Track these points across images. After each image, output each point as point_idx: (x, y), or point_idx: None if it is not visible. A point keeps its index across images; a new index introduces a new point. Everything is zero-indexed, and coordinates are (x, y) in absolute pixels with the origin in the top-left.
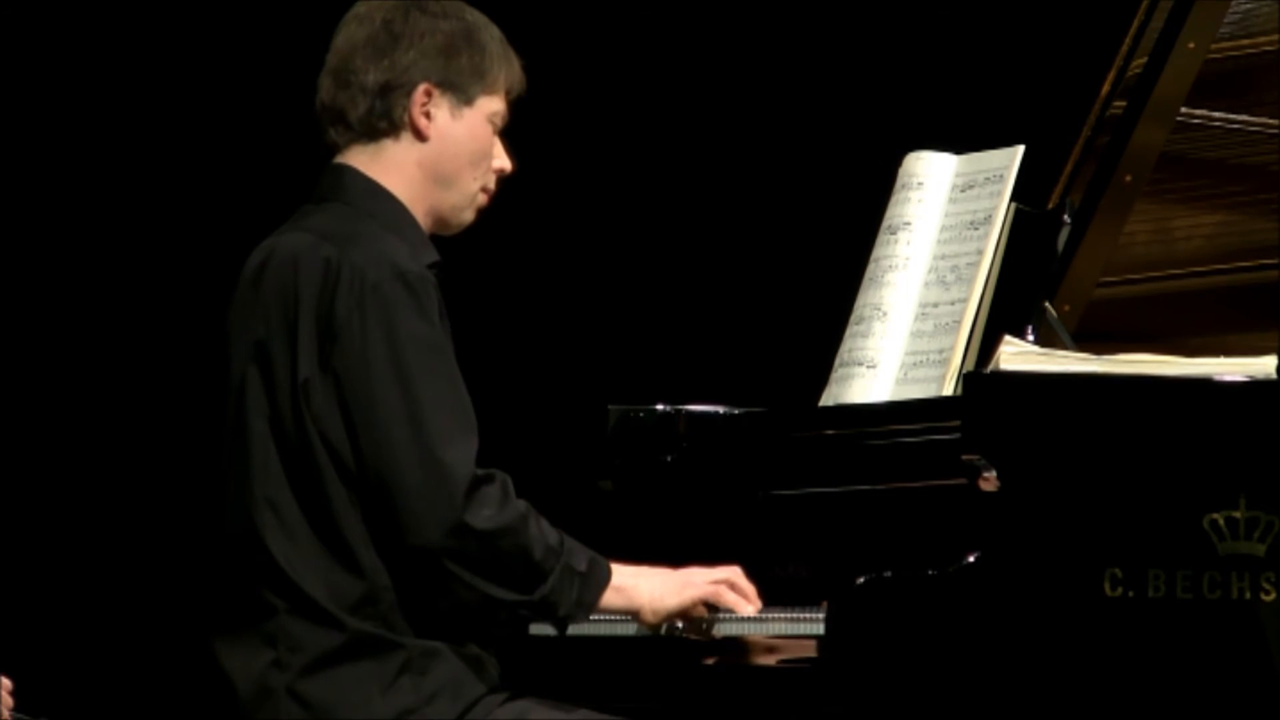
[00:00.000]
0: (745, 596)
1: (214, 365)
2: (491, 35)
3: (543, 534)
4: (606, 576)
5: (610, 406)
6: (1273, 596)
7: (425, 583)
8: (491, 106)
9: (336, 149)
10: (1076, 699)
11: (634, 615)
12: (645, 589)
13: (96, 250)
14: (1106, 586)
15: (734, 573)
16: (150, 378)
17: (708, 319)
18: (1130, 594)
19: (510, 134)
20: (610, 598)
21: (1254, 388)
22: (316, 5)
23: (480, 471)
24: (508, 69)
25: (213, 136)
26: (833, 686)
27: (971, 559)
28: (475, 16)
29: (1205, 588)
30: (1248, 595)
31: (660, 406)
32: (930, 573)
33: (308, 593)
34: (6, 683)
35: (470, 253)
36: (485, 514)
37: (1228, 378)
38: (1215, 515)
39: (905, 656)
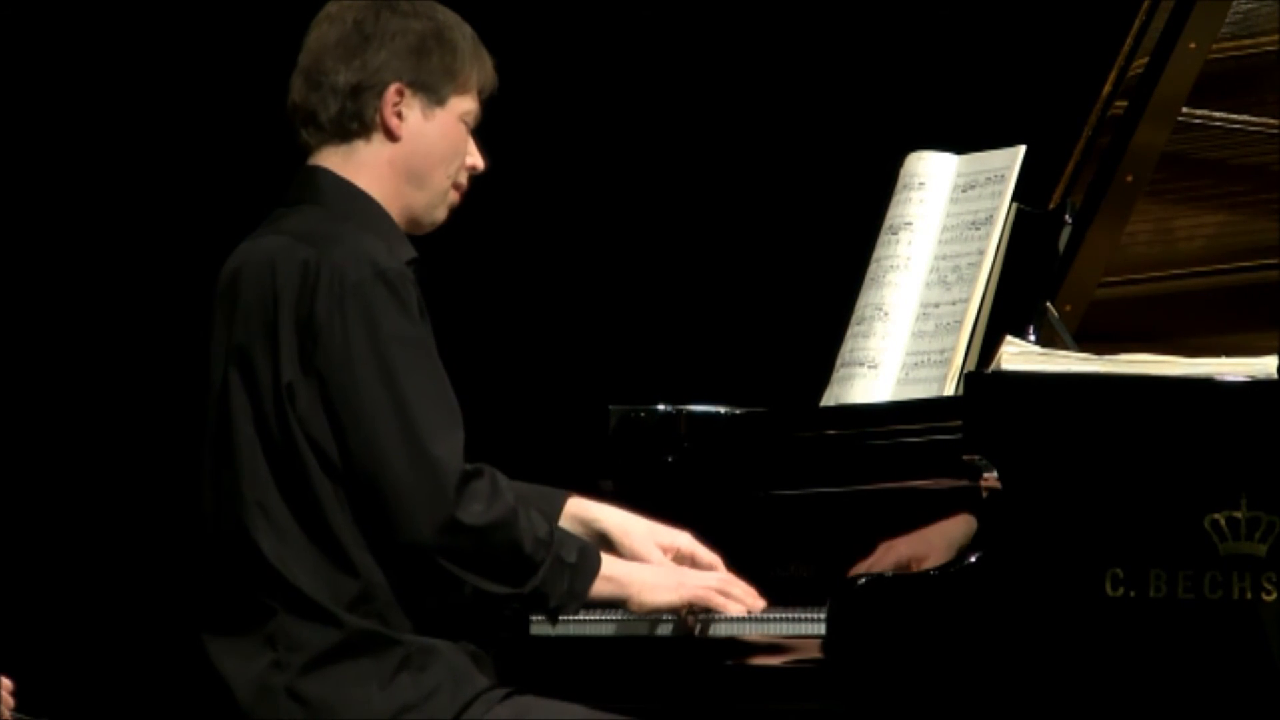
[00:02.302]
0: (739, 601)
1: (199, 368)
2: (463, 34)
3: (532, 526)
4: (597, 565)
5: (611, 407)
6: (1274, 597)
7: (418, 579)
8: (463, 106)
9: (309, 149)
10: (1078, 699)
11: (622, 605)
12: (636, 579)
13: (83, 253)
14: (1108, 586)
15: (729, 577)
16: (150, 378)
17: (708, 319)
18: (1132, 594)
19: (512, 134)
20: (600, 586)
21: (1255, 388)
22: (293, 5)
23: (469, 466)
24: (480, 68)
25: (192, 138)
26: (834, 686)
27: (973, 559)
28: (447, 16)
29: (1206, 588)
30: (1249, 595)
31: (661, 407)
32: (931, 573)
33: (303, 591)
34: (7, 683)
35: (471, 253)
36: (476, 509)
37: (1229, 378)
38: (1217, 515)
39: (906, 657)
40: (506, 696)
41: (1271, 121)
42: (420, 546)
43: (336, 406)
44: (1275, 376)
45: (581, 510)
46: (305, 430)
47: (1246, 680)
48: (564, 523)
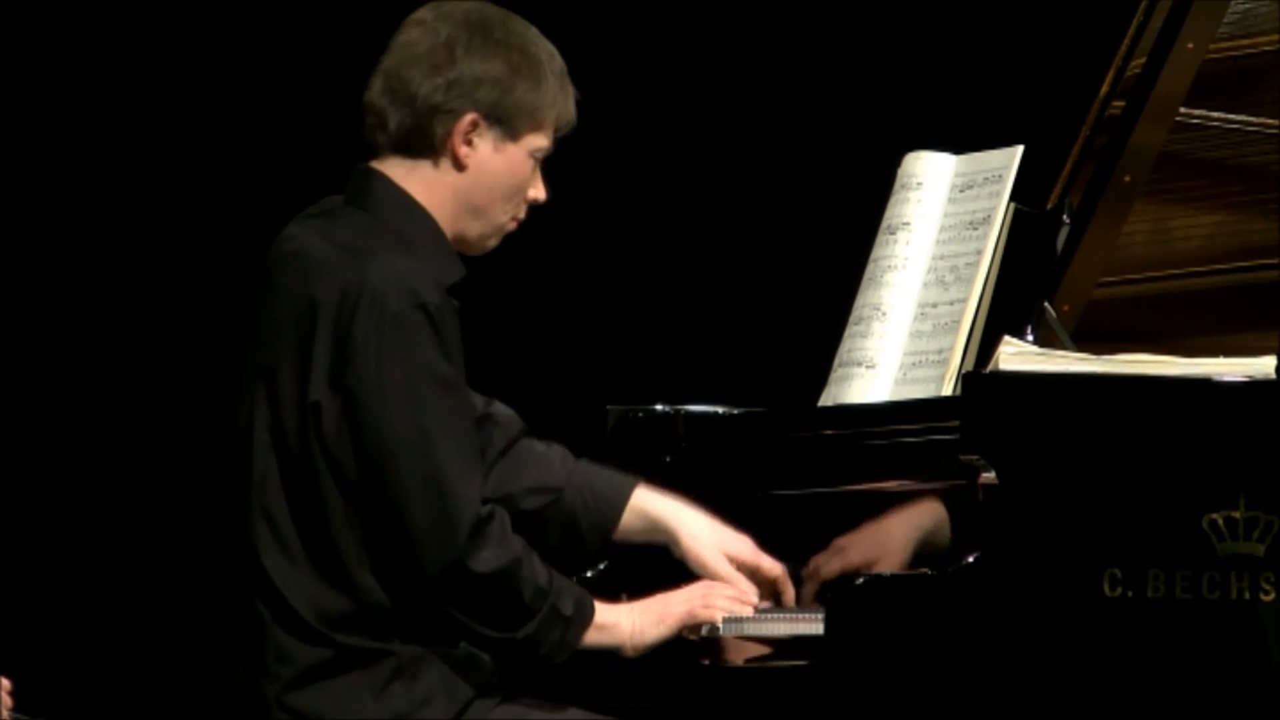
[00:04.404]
0: (725, 610)
1: (198, 369)
2: (553, 70)
3: (534, 575)
4: (590, 617)
5: (609, 407)
6: (1272, 597)
7: (416, 607)
8: (536, 142)
9: (374, 149)
10: (1076, 699)
11: (616, 651)
12: (626, 625)
13: (107, 249)
14: (1106, 587)
15: (712, 585)
16: (150, 376)
17: (707, 319)
18: (1130, 594)
19: None
20: (592, 636)
21: (1253, 388)
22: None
23: (483, 510)
24: (563, 105)
25: (230, 132)
26: (832, 687)
27: (971, 559)
28: (539, 49)
29: (1204, 588)
30: (1247, 595)
31: (659, 407)
32: (930, 573)
33: (297, 610)
34: (6, 683)
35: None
36: (485, 556)
37: (1227, 378)
38: (1215, 515)
39: (905, 657)
40: (503, 701)
41: (1270, 121)
42: (424, 584)
43: (363, 432)
44: (1274, 376)
45: (649, 506)
46: (326, 448)
47: (1245, 680)
48: (627, 516)
